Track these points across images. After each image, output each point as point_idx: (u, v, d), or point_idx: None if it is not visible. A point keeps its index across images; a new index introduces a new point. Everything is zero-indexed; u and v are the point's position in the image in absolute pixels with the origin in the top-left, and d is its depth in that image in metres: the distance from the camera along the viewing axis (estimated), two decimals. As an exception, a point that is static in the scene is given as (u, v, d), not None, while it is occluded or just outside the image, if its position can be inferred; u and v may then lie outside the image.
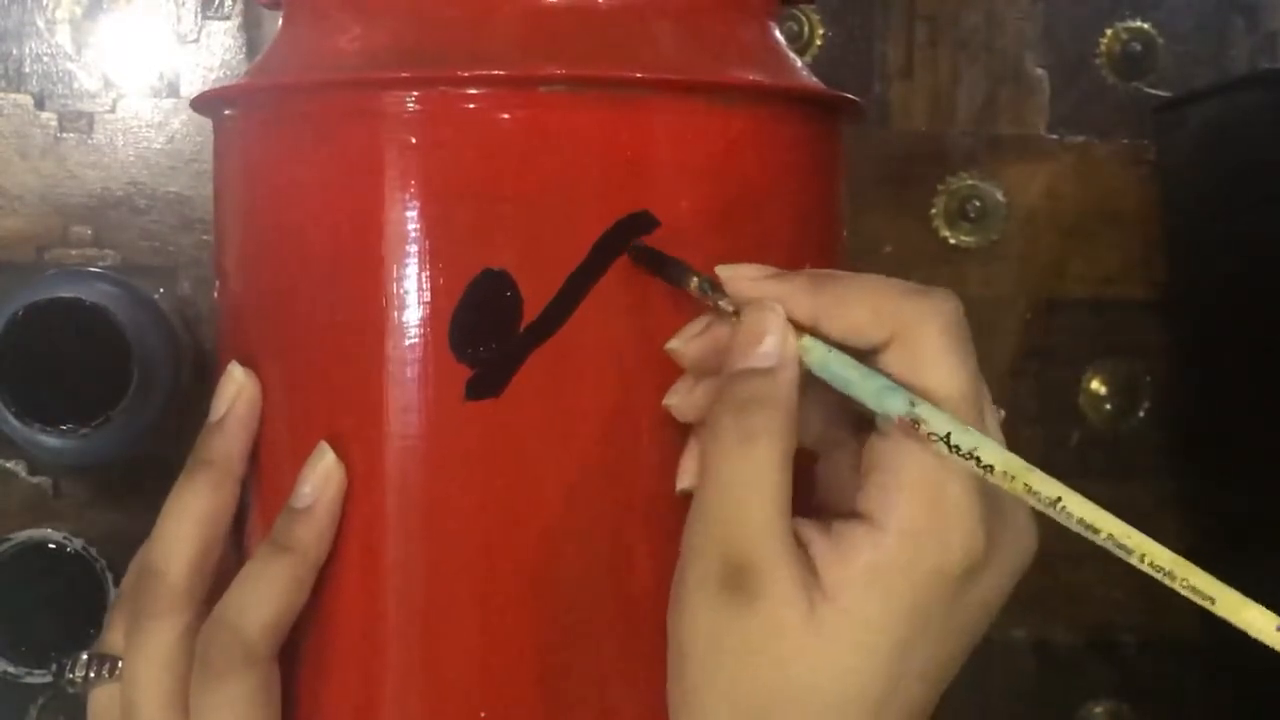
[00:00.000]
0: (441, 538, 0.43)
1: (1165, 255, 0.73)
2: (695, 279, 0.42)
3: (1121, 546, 0.37)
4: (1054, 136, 0.73)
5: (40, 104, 0.68)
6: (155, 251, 0.68)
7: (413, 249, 0.43)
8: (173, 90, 0.68)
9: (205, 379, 0.67)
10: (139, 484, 0.66)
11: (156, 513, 0.45)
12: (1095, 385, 0.74)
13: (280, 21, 0.49)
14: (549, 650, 0.43)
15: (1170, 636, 0.73)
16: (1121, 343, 0.74)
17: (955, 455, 0.38)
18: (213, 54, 0.69)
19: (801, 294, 0.40)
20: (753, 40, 0.47)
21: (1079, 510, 0.37)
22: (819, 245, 0.46)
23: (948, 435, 0.38)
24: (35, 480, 0.67)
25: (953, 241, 0.73)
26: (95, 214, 0.68)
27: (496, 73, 0.42)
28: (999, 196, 0.73)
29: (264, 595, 0.43)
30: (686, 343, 0.42)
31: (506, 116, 0.42)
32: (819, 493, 0.43)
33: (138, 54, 0.68)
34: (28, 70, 0.68)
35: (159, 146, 0.68)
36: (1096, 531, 0.37)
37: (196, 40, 0.69)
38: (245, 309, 0.47)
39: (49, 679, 0.61)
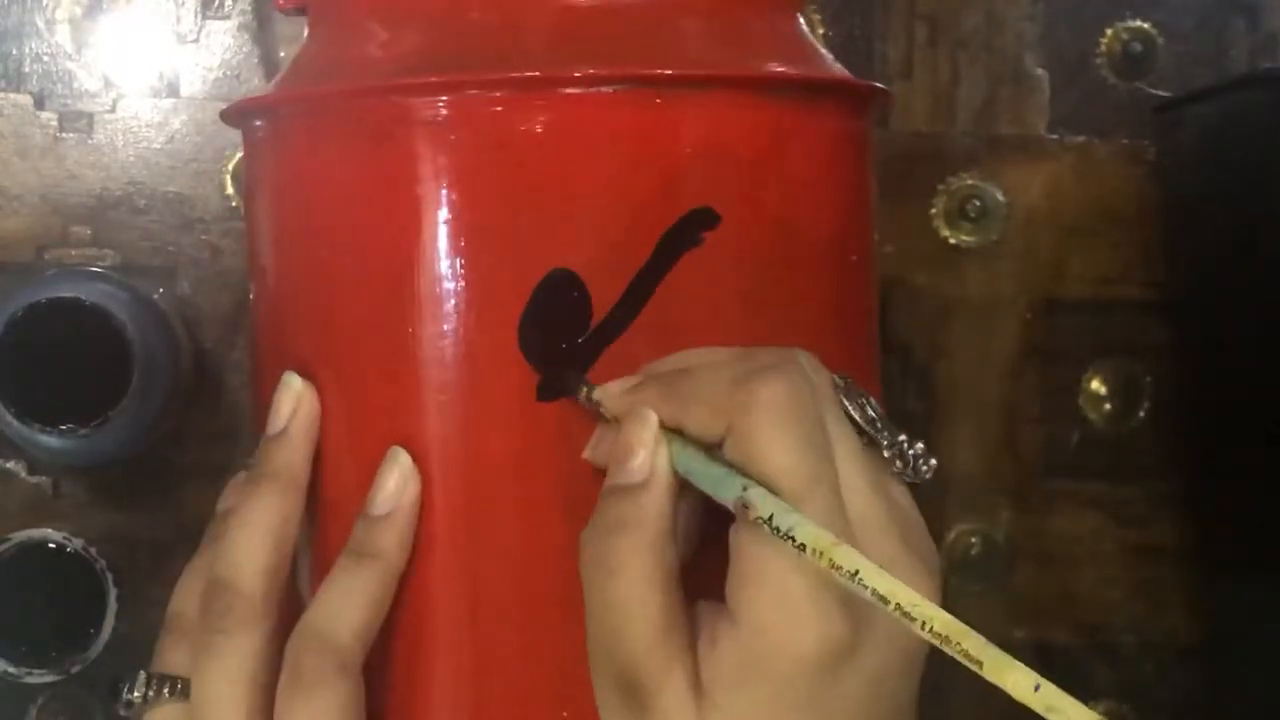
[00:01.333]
0: (525, 539, 0.43)
1: (1165, 255, 0.73)
2: (584, 389, 0.42)
3: (907, 615, 0.36)
4: (1054, 136, 0.73)
5: (40, 104, 0.68)
6: (155, 251, 0.68)
7: (476, 252, 0.42)
8: (173, 90, 0.68)
9: (205, 379, 0.67)
10: (139, 484, 0.66)
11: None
12: (1095, 385, 0.74)
13: (306, 29, 0.49)
14: None
15: (1170, 636, 0.73)
16: (1121, 343, 0.74)
17: (777, 536, 0.38)
18: (213, 54, 0.69)
19: (659, 402, 0.41)
20: (788, 33, 0.47)
21: (873, 581, 0.36)
22: (861, 233, 0.46)
23: (770, 517, 0.38)
24: (35, 480, 0.67)
25: (953, 241, 0.73)
26: (95, 214, 0.67)
27: (574, 73, 0.42)
28: (999, 196, 0.73)
29: (354, 602, 0.43)
30: (593, 449, 0.43)
31: (571, 116, 0.42)
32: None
33: (138, 54, 0.68)
34: (28, 70, 0.68)
35: (159, 146, 0.68)
36: (886, 602, 0.36)
37: (196, 40, 0.69)
38: (294, 318, 0.46)
39: (49, 679, 0.61)
